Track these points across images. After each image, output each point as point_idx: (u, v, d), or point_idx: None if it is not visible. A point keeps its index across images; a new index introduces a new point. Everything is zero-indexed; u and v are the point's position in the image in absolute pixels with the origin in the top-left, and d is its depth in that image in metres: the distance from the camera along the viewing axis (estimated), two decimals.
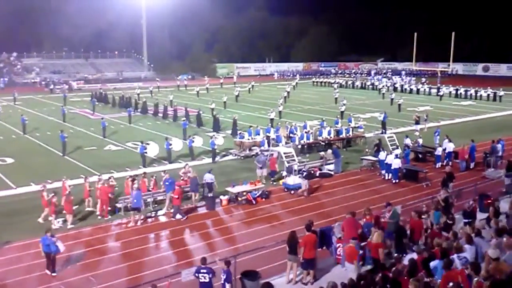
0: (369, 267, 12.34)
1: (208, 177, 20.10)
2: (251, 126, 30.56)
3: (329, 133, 30.28)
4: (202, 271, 11.17)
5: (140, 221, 17.97)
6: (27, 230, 16.82)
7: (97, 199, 18.77)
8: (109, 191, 18.70)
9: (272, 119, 36.33)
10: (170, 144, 26.31)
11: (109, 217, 18.47)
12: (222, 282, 11.12)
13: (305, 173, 21.39)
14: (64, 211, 17.70)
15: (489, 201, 16.10)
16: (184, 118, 35.88)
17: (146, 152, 25.76)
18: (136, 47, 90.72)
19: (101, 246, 16.16)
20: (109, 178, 19.94)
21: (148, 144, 26.58)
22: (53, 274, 13.90)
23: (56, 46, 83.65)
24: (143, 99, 48.37)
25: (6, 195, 20.90)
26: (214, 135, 28.99)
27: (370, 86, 68.64)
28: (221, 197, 19.99)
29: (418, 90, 63.04)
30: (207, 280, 11.11)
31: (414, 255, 11.49)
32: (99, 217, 18.42)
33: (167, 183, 19.13)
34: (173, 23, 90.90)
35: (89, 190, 19.26)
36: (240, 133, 30.28)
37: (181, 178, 20.89)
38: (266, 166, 22.97)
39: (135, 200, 17.76)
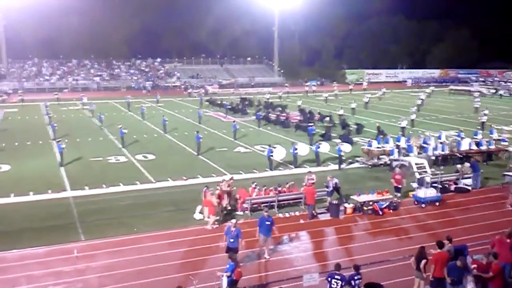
0: None
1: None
2: (380, 135, 29.47)
3: (469, 146, 28.06)
4: (336, 277, 11.05)
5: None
6: (161, 222, 18.13)
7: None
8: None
9: (403, 128, 34.73)
10: (296, 149, 26.52)
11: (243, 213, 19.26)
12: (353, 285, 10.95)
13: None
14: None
15: None
16: (311, 124, 35.91)
17: (272, 156, 26.27)
18: (267, 53, 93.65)
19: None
20: (230, 178, 20.58)
21: (275, 147, 27.10)
22: None
23: (195, 53, 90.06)
24: (274, 103, 49.58)
25: (146, 188, 22.77)
26: (340, 142, 28.56)
27: None
28: (346, 205, 19.59)
29: None
30: (339, 287, 10.93)
31: None
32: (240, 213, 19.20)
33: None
34: (304, 30, 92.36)
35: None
36: (368, 141, 29.44)
37: (305, 183, 20.91)
38: None
39: (231, 240, 14.24)
